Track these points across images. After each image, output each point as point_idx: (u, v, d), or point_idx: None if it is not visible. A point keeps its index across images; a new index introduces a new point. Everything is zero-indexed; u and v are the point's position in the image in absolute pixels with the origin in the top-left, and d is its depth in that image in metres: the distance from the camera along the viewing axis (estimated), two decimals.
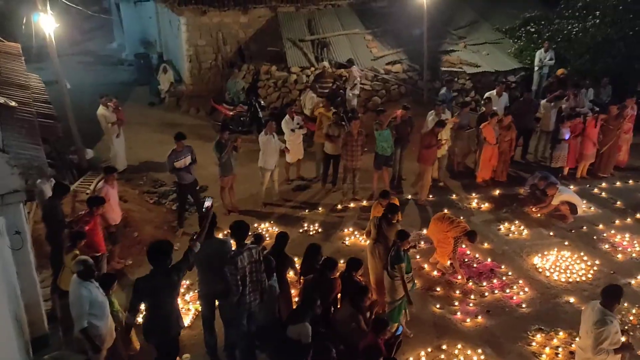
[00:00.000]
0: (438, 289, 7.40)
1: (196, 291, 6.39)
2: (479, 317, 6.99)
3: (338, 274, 5.94)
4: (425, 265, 7.74)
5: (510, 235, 8.66)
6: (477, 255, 8.03)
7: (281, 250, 6.04)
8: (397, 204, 7.09)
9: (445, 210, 8.65)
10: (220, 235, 6.99)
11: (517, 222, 8.99)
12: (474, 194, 9.84)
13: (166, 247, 4.90)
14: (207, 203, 5.39)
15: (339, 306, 5.78)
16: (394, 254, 5.86)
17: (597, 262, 8.16)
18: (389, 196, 7.25)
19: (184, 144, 8.22)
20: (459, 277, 7.53)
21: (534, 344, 6.60)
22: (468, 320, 6.88)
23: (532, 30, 15.06)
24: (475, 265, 7.88)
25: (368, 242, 6.81)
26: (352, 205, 9.37)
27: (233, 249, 5.42)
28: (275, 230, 8.14)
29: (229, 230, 5.45)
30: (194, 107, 14.58)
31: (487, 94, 11.48)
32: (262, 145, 8.86)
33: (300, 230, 8.53)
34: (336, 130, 9.31)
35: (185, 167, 8.18)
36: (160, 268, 4.79)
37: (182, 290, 6.92)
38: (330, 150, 9.44)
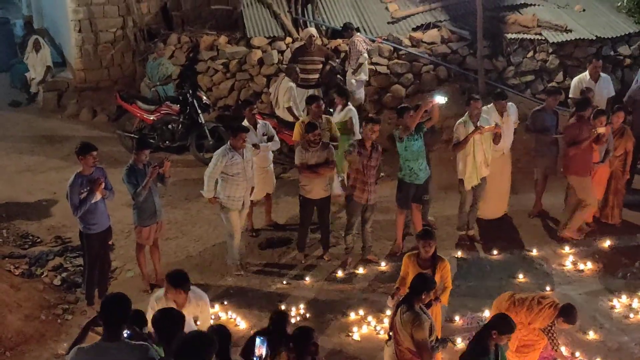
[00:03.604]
0: None
1: None
2: None
3: None
4: None
5: (632, 316, 7.43)
6: (577, 354, 6.82)
7: (284, 336, 5.27)
8: (446, 267, 6.09)
9: (519, 278, 7.97)
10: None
11: None
12: (567, 248, 8.46)
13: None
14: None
15: None
16: (478, 349, 5.27)
17: None
18: (433, 239, 6.09)
19: (95, 161, 7.05)
20: None
21: None
22: None
23: None
24: None
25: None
26: (361, 270, 8.18)
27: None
28: (233, 318, 7.27)
29: (152, 325, 4.76)
30: (87, 108, 12.65)
31: (576, 79, 9.53)
32: (217, 168, 7.76)
33: None
34: (317, 153, 7.93)
35: (100, 202, 7.11)
36: None
37: None
38: (309, 190, 8.04)
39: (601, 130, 8.29)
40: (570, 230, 8.50)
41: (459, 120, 8.21)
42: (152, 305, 5.59)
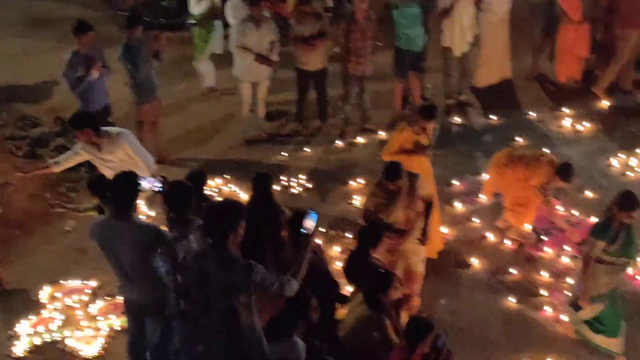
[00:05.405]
0: (513, 271, 6.31)
1: (106, 298, 5.95)
2: None
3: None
4: (491, 234, 6.60)
5: (631, 174, 7.55)
6: (574, 212, 6.86)
7: (268, 199, 5.18)
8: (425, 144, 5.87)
9: (518, 141, 7.76)
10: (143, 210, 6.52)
11: None
12: (564, 108, 8.48)
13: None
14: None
15: (345, 306, 5.00)
16: (600, 224, 5.21)
17: None
18: (436, 114, 5.90)
19: (91, 40, 6.93)
20: (575, 235, 6.33)
21: None
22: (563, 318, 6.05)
23: None
24: (571, 226, 6.70)
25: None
26: (360, 139, 8.33)
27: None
28: (233, 189, 7.37)
29: (164, 200, 4.72)
30: None
31: None
32: (239, 37, 7.75)
33: (277, 188, 7.34)
34: (311, 25, 7.74)
35: (98, 81, 7.03)
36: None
37: (85, 298, 6.21)
38: (305, 62, 7.95)
39: None
40: (601, 85, 8.32)
41: None
42: (77, 149, 5.58)
